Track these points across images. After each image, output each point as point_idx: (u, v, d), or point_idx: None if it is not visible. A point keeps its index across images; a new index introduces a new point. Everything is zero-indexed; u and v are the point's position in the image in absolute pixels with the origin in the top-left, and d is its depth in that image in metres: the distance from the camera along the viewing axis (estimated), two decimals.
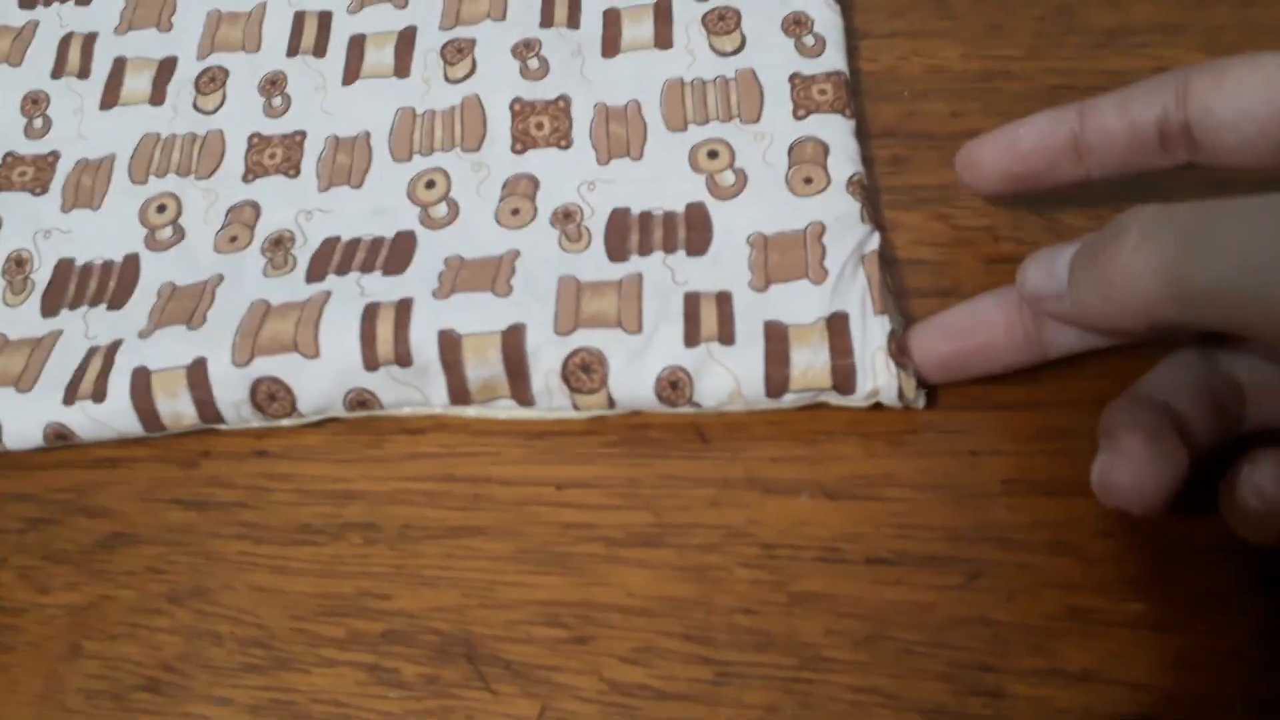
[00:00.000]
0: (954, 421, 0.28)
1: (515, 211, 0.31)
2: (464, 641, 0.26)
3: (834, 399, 0.27)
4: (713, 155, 0.31)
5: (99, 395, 0.29)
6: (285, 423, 0.29)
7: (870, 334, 0.27)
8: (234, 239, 0.32)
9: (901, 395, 0.27)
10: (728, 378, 0.27)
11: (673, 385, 0.28)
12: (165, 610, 0.28)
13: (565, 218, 0.31)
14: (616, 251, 0.30)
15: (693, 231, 0.30)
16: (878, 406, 0.28)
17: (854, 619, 0.25)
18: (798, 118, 0.32)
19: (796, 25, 0.34)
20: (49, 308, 0.32)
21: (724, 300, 0.28)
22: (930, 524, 0.26)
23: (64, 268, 0.32)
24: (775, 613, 0.25)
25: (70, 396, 0.29)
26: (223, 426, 0.30)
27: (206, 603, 0.28)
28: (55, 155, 0.35)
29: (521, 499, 0.28)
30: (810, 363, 0.27)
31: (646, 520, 0.27)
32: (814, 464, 0.27)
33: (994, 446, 0.27)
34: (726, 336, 0.28)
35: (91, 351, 0.30)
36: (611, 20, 0.35)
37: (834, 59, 0.33)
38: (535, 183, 0.32)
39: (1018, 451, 0.27)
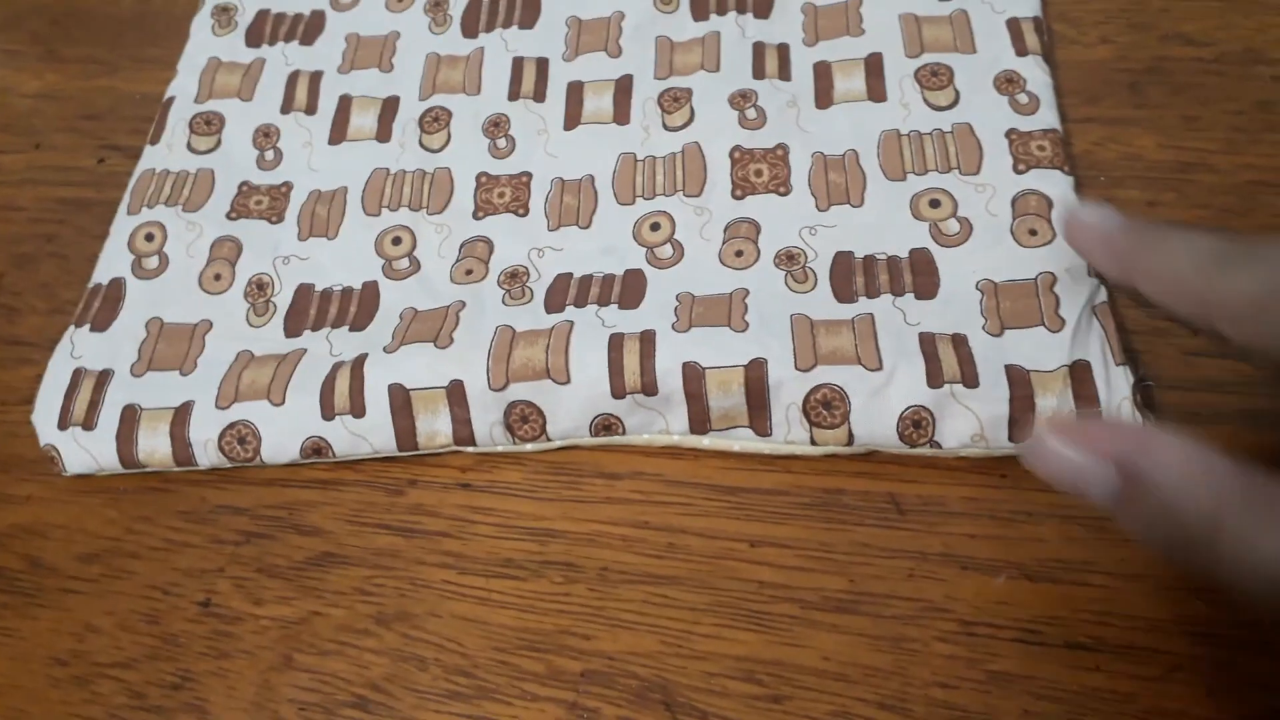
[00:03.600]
0: None
1: (739, 253, 0.32)
2: (662, 688, 0.27)
3: None
4: (934, 204, 0.32)
5: (358, 410, 0.31)
6: (530, 447, 0.31)
7: (1114, 384, 0.28)
8: (469, 272, 0.34)
9: None
10: (971, 420, 0.28)
11: (915, 424, 0.28)
12: (373, 631, 0.29)
13: (789, 259, 0.32)
14: (843, 293, 0.31)
15: (919, 276, 0.31)
16: None
17: (1053, 702, 0.25)
18: (1018, 172, 0.33)
19: (1009, 84, 0.34)
20: (292, 329, 0.33)
21: (960, 342, 0.29)
22: (1130, 613, 0.26)
23: (304, 292, 0.34)
24: (973, 690, 0.26)
25: (328, 411, 0.31)
26: (469, 449, 0.31)
27: (412, 627, 0.29)
28: (288, 185, 0.37)
29: (715, 552, 0.29)
30: (1056, 409, 0.28)
31: (841, 586, 0.28)
32: (1012, 544, 0.28)
33: None
34: (969, 378, 0.28)
35: (338, 365, 0.32)
36: (823, 73, 0.36)
37: (1048, 117, 0.34)
38: (757, 226, 0.33)
39: None
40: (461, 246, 0.34)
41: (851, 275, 0.31)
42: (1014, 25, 0.36)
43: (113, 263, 0.36)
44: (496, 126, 0.37)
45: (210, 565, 0.31)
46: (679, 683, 0.27)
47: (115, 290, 0.35)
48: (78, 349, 0.34)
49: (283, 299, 0.34)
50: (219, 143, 0.38)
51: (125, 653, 0.30)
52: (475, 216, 0.35)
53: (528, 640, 0.28)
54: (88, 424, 0.32)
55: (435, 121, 0.37)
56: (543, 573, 0.29)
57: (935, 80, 0.35)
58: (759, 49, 0.37)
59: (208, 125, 0.38)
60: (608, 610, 0.28)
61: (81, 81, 0.42)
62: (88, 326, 0.34)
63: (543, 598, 0.29)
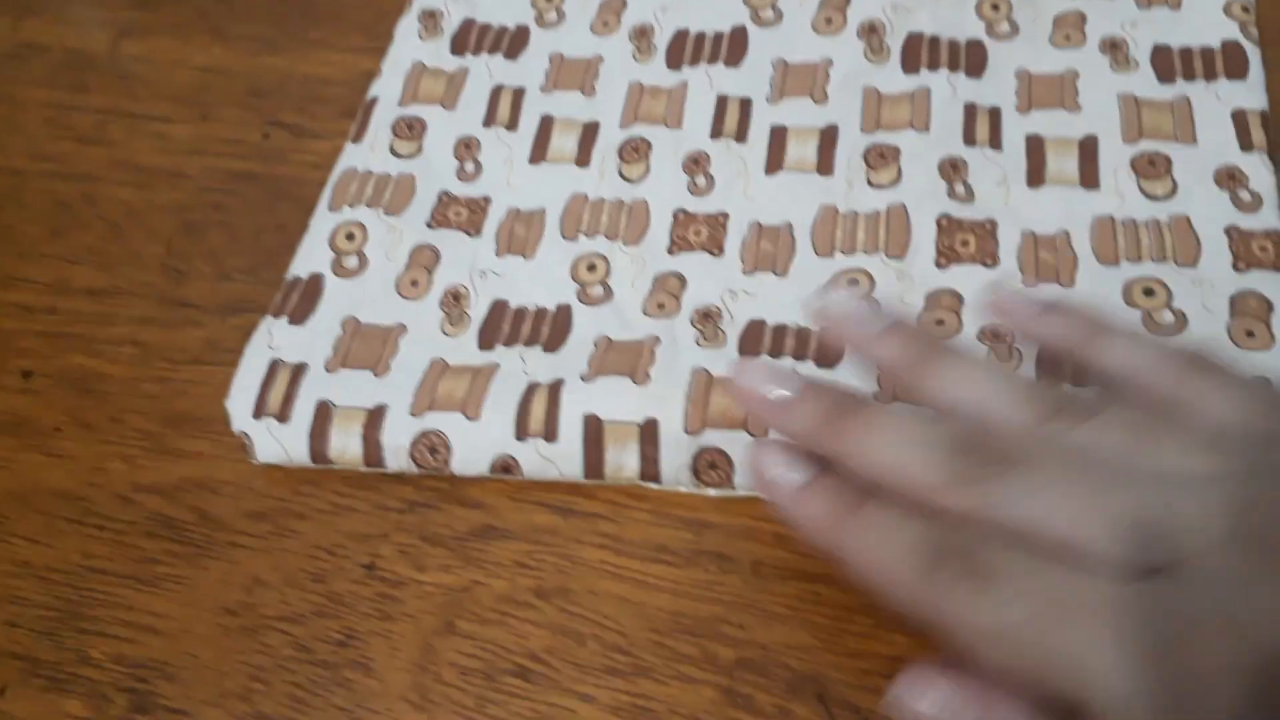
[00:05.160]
0: None
1: (940, 322, 0.33)
2: (815, 680, 0.27)
3: None
4: (1149, 293, 0.32)
5: (550, 435, 0.31)
6: (712, 492, 0.31)
7: None
8: (661, 305, 0.34)
9: None
10: None
11: None
12: (533, 604, 0.30)
13: (994, 337, 0.32)
14: (1048, 377, 0.31)
15: None
16: None
17: None
18: (1237, 270, 0.32)
19: (1230, 179, 0.34)
20: (485, 342, 0.34)
21: None
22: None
23: (499, 307, 0.35)
24: None
25: (522, 431, 0.31)
26: (652, 486, 0.31)
27: (571, 603, 0.30)
28: (487, 200, 0.38)
29: None
30: None
31: None
32: None
33: None
34: None
35: (532, 387, 0.32)
36: (1035, 148, 0.36)
37: (1271, 217, 0.33)
38: (959, 298, 0.33)
39: None
40: (654, 280, 0.35)
41: (1058, 361, 0.31)
42: (1240, 118, 0.35)
43: (312, 257, 0.37)
44: (696, 163, 0.37)
45: (374, 530, 0.32)
46: (832, 677, 0.27)
47: (314, 285, 0.36)
48: (275, 339, 0.35)
49: (477, 311, 0.35)
50: (420, 149, 0.40)
51: (292, 608, 0.31)
52: (670, 252, 0.35)
53: (683, 625, 0.29)
54: (282, 416, 0.33)
55: (635, 152, 0.38)
56: (697, 561, 0.30)
57: (1152, 169, 0.35)
58: (970, 110, 0.37)
59: (410, 130, 0.40)
60: (761, 603, 0.29)
61: (248, 59, 0.44)
62: (285, 319, 0.36)
63: (698, 585, 0.30)
